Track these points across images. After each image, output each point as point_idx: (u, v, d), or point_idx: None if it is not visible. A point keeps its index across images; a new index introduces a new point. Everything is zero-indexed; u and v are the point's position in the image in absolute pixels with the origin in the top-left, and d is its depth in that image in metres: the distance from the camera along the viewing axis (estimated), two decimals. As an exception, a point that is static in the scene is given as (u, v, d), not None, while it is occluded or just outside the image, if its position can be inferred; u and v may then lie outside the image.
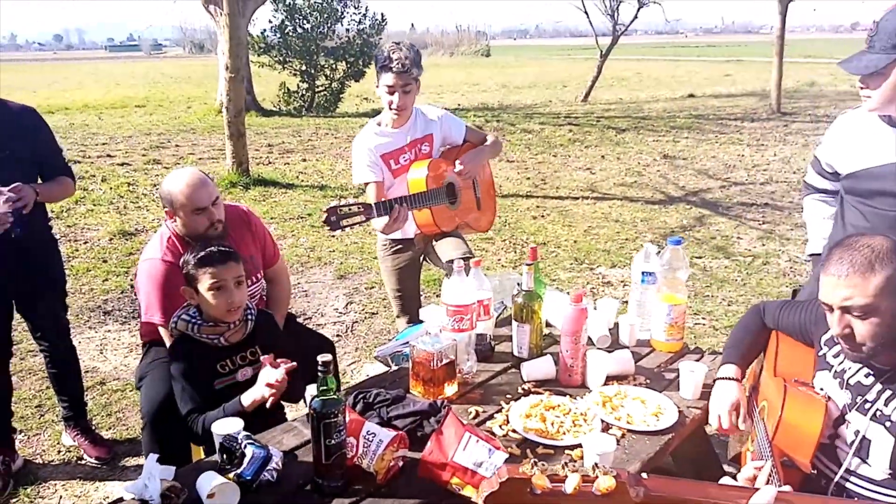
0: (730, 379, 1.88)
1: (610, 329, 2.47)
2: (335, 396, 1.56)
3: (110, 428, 3.24)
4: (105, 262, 5.55)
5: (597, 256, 5.72)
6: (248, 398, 1.96)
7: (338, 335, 4.29)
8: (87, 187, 7.84)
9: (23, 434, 3.14)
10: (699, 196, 7.74)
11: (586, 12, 17.58)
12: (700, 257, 5.65)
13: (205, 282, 2.03)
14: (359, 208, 2.52)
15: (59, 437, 3.13)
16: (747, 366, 1.99)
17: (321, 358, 1.56)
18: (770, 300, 2.22)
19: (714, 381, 1.92)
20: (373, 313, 4.63)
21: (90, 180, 8.19)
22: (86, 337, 4.18)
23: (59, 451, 3.06)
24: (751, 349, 1.98)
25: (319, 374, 1.55)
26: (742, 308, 4.63)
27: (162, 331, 2.34)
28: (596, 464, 1.04)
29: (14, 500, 2.72)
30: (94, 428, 3.14)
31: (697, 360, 2.27)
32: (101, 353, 4.03)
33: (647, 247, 2.45)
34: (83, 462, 2.98)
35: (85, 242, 6.05)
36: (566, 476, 0.99)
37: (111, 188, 7.91)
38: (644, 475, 1.09)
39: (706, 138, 11.44)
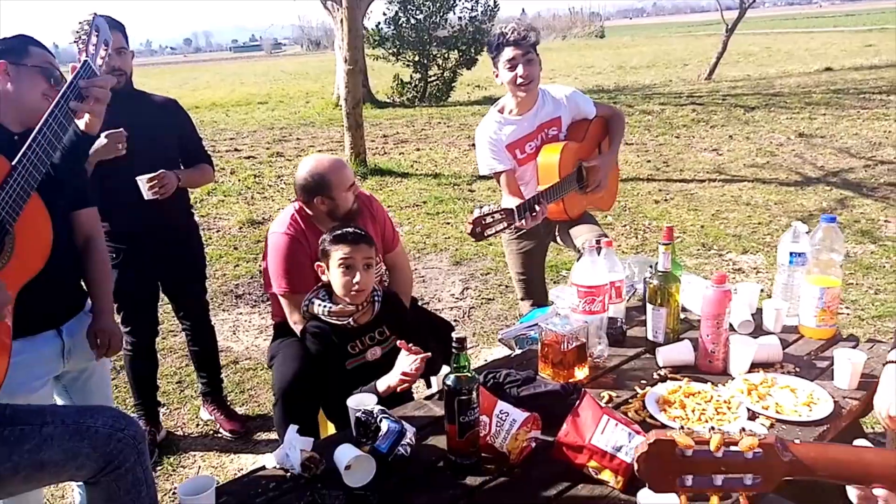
0: None
1: (752, 314, 2.30)
2: (469, 374, 1.53)
3: (243, 404, 3.40)
4: (236, 248, 5.86)
5: (726, 242, 5.40)
6: (383, 384, 1.97)
7: (455, 320, 4.29)
8: (218, 179, 8.29)
9: (165, 408, 3.36)
10: (840, 177, 7.14)
11: (709, -14, 16.67)
12: (843, 242, 5.20)
13: (335, 258, 2.08)
14: (501, 215, 2.44)
15: (197, 411, 3.32)
16: None
17: (455, 335, 1.54)
18: None
19: (884, 364, 1.73)
20: (489, 299, 4.60)
21: (220, 173, 8.66)
22: (219, 319, 4.42)
23: (197, 425, 3.25)
24: None
25: (454, 351, 1.53)
26: (891, 297, 4.22)
27: (283, 300, 2.43)
28: (743, 428, 1.02)
29: (159, 467, 2.91)
30: (228, 403, 3.32)
31: (853, 348, 2.07)
32: (234, 333, 4.25)
33: (797, 225, 2.26)
34: (219, 435, 3.15)
35: (217, 231, 6.41)
36: (710, 438, 0.98)
37: (239, 180, 8.34)
38: (797, 440, 1.04)
39: (847, 114, 10.53)
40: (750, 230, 5.65)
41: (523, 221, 2.55)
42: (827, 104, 11.57)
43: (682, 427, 1.03)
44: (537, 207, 2.55)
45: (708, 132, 10.00)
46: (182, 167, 2.82)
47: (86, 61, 1.74)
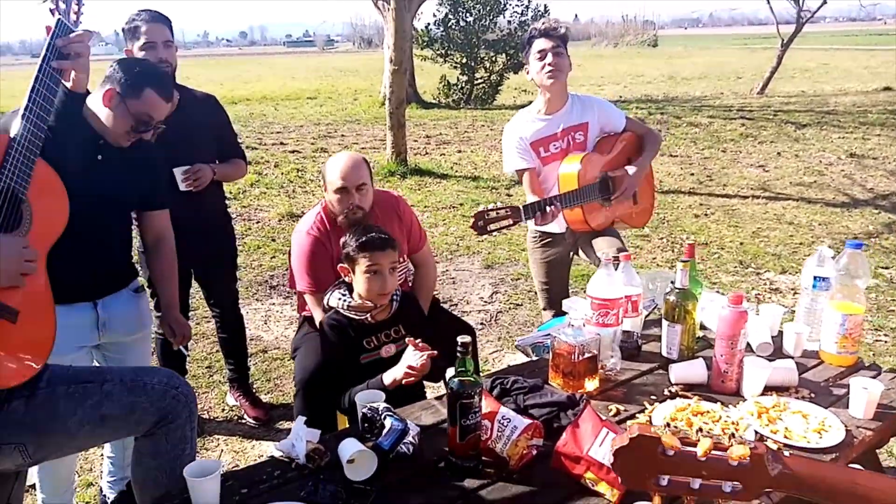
0: None
1: (773, 337, 2.27)
2: (473, 378, 1.56)
3: (268, 392, 3.49)
4: (273, 240, 5.98)
5: (765, 260, 5.31)
6: (388, 377, 2.02)
7: (482, 324, 4.32)
8: (262, 172, 8.48)
9: (194, 391, 3.46)
10: (890, 200, 6.95)
11: (767, -2, 16.32)
12: (886, 267, 5.07)
13: (362, 265, 2.12)
14: (506, 212, 2.47)
15: (223, 396, 3.42)
16: None
17: (461, 339, 1.57)
18: None
19: None
20: (517, 304, 4.61)
21: (264, 165, 8.85)
22: (252, 308, 4.53)
23: (223, 410, 3.34)
24: None
25: (458, 355, 1.56)
26: (934, 326, 4.10)
27: (307, 297, 2.49)
28: (732, 433, 0.97)
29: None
30: (254, 391, 3.41)
31: (874, 378, 2.03)
32: (266, 323, 4.35)
33: (822, 249, 2.22)
34: (243, 421, 3.24)
35: (257, 222, 6.56)
36: (698, 440, 0.94)
37: (282, 173, 8.50)
38: (786, 453, 0.99)
39: (903, 136, 10.23)
40: (791, 250, 5.54)
41: (531, 221, 2.57)
42: (882, 125, 11.23)
43: (667, 425, 1.00)
44: (548, 209, 2.58)
45: (756, 148, 9.81)
46: (217, 161, 2.90)
47: (59, 20, 1.69)
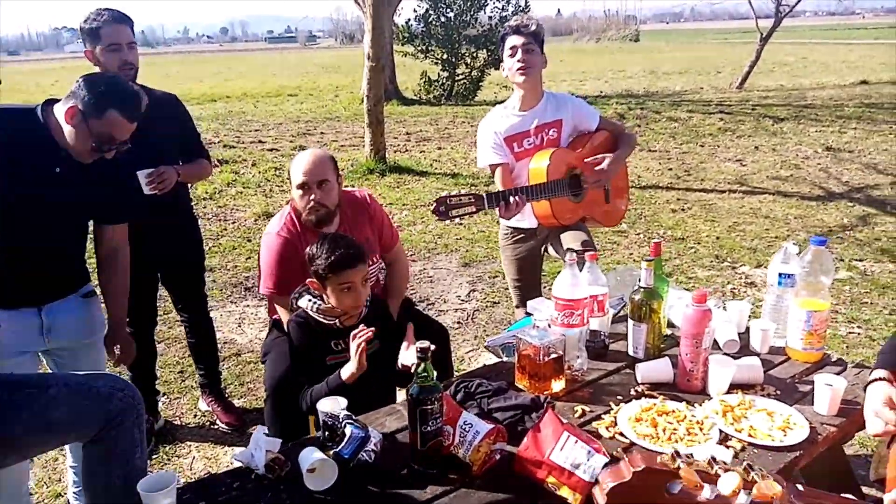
0: (881, 380, 1.68)
1: (740, 333, 2.27)
2: (432, 383, 1.54)
3: (242, 397, 3.45)
4: (249, 241, 5.92)
5: (741, 255, 5.34)
6: (346, 372, 2.00)
7: (458, 322, 4.31)
8: (239, 171, 8.40)
9: (165, 397, 3.42)
10: (865, 193, 7.02)
11: (745, -7, 16.41)
12: (861, 260, 5.11)
13: (334, 283, 2.09)
14: (469, 199, 2.48)
15: (196, 401, 3.38)
16: None
17: (419, 344, 1.55)
18: None
19: (865, 386, 1.70)
20: (495, 302, 4.60)
21: (242, 164, 8.76)
22: (227, 311, 4.48)
23: (195, 415, 3.30)
24: None
25: (418, 359, 1.55)
26: (907, 318, 4.14)
27: (274, 300, 2.48)
28: (750, 465, 0.85)
29: (155, 456, 2.96)
30: (227, 396, 3.37)
31: (838, 374, 2.04)
32: (240, 326, 4.30)
33: (787, 246, 2.23)
34: (216, 427, 3.20)
35: (233, 222, 6.49)
36: (717, 474, 0.80)
37: (260, 172, 8.42)
38: (800, 487, 0.87)
39: (878, 129, 10.32)
40: (766, 244, 5.58)
41: (497, 210, 2.58)
42: (859, 118, 11.34)
43: (676, 453, 0.83)
44: (511, 199, 2.58)
45: (734, 142, 9.87)
46: (180, 162, 2.84)
47: None
